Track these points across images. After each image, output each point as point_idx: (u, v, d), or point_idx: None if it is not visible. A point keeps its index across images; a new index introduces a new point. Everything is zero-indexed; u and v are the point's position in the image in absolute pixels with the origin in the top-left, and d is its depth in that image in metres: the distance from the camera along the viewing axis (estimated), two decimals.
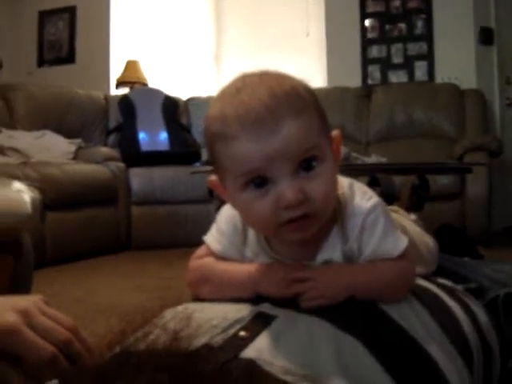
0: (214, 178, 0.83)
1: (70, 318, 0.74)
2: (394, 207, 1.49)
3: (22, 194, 1.34)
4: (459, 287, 1.14)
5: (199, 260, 0.93)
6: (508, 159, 4.96)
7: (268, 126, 0.72)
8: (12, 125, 4.51)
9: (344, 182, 0.88)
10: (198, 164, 4.58)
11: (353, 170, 2.83)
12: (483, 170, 3.94)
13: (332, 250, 0.84)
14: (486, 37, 5.04)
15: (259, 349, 0.68)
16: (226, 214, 0.90)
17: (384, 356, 0.72)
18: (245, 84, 0.76)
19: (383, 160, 3.67)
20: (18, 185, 1.38)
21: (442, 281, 1.09)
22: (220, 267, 0.89)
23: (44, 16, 6.19)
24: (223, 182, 0.80)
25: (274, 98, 0.73)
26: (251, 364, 0.65)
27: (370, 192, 0.87)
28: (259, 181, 0.75)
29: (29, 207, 1.31)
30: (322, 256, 0.85)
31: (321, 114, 0.79)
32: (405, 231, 1.01)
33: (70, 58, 6.11)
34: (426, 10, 5.20)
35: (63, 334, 0.70)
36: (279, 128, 0.72)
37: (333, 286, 0.80)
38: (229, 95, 0.76)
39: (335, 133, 0.83)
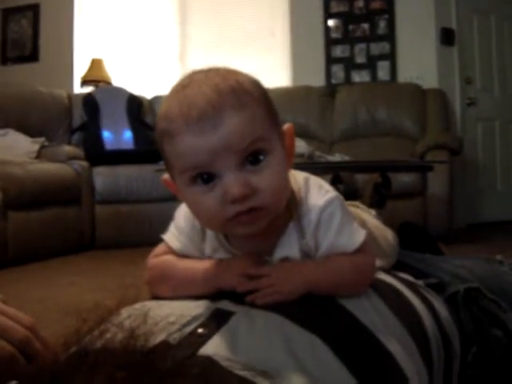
0: (166, 176, 0.83)
1: (30, 317, 0.73)
2: (355, 202, 1.50)
3: None
4: (420, 282, 1.15)
5: (158, 258, 0.92)
6: (468, 157, 5.05)
7: (210, 120, 0.72)
8: None
9: (300, 177, 0.88)
10: (162, 162, 4.56)
11: (317, 168, 2.85)
12: (444, 169, 4.00)
13: (289, 246, 0.84)
14: (447, 37, 5.12)
15: (217, 346, 0.68)
16: (184, 212, 0.90)
17: (342, 351, 0.72)
18: (191, 81, 0.76)
19: (347, 158, 3.70)
20: None
21: (402, 275, 1.10)
22: (180, 264, 0.89)
23: (7, 14, 6.11)
24: (174, 179, 0.81)
25: (217, 93, 0.73)
26: (209, 361, 0.65)
27: (326, 186, 0.87)
28: (206, 176, 0.75)
29: None
30: (279, 252, 0.85)
31: (269, 107, 0.79)
32: (363, 225, 1.01)
33: (33, 56, 6.03)
34: (389, 10, 5.26)
35: (21, 333, 0.69)
36: (221, 121, 0.72)
37: (288, 282, 0.79)
38: (175, 92, 0.77)
39: (287, 126, 0.83)
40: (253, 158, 0.75)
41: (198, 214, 0.81)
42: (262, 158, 0.76)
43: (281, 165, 0.78)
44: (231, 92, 0.74)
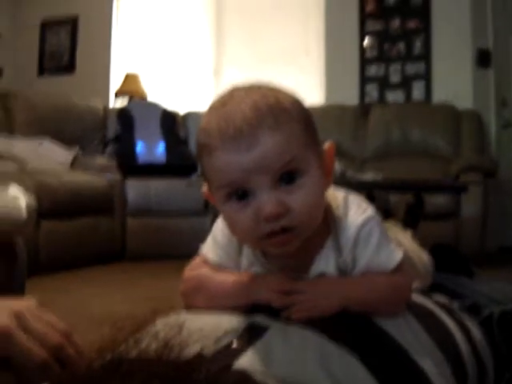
0: (206, 188, 0.84)
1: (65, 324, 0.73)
2: (391, 222, 1.49)
3: (18, 199, 1.33)
4: (454, 304, 1.13)
5: (194, 270, 0.93)
6: (503, 180, 4.97)
7: (246, 139, 0.72)
8: (11, 132, 4.52)
9: (339, 194, 0.88)
10: (193, 176, 4.59)
11: (350, 186, 2.83)
12: (478, 190, 3.95)
13: (326, 263, 0.84)
14: (483, 58, 5.07)
15: (251, 360, 0.68)
16: (222, 225, 0.90)
17: (377, 369, 0.71)
18: (231, 97, 0.77)
19: (380, 177, 3.68)
20: (14, 190, 1.38)
21: (437, 297, 1.09)
22: (215, 277, 0.89)
23: (46, 26, 6.22)
24: (211, 192, 0.81)
25: (255, 111, 0.73)
26: (244, 374, 0.64)
27: (365, 204, 0.87)
28: (240, 193, 0.75)
29: (24, 212, 1.31)
30: (315, 268, 0.84)
31: (307, 126, 0.79)
32: (400, 245, 1.01)
33: (70, 67, 6.12)
34: (425, 30, 5.23)
35: (55, 339, 0.69)
36: (257, 141, 0.72)
37: (324, 298, 0.79)
38: (215, 108, 0.78)
39: (328, 145, 0.83)
40: (287, 177, 0.75)
41: (233, 229, 0.81)
42: (296, 177, 0.76)
43: (316, 185, 0.78)
44: (268, 110, 0.74)
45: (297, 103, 0.79)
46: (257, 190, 0.74)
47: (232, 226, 0.80)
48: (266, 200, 0.73)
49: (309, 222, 0.78)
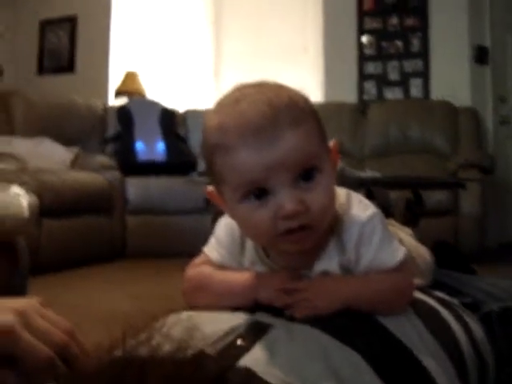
0: (211, 188, 0.83)
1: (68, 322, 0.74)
2: (390, 221, 1.49)
3: (20, 198, 1.33)
4: (455, 301, 1.14)
5: (197, 268, 0.93)
6: (500, 176, 4.98)
7: (268, 137, 0.72)
8: (10, 131, 4.52)
9: (341, 192, 0.88)
10: (194, 174, 4.59)
11: (348, 184, 2.83)
12: (476, 187, 3.96)
13: (329, 261, 0.84)
14: (480, 55, 5.09)
15: (256, 358, 0.68)
16: (224, 225, 0.90)
17: (381, 367, 0.71)
18: (243, 95, 0.76)
19: (378, 175, 3.68)
20: (15, 189, 1.38)
21: (438, 294, 1.09)
22: (218, 275, 0.89)
23: (45, 25, 6.22)
24: (221, 192, 0.80)
25: (273, 109, 0.73)
26: (249, 373, 0.64)
27: (367, 202, 0.87)
28: (258, 191, 0.75)
29: (26, 211, 1.31)
30: (318, 266, 0.84)
31: (319, 124, 0.80)
32: (401, 242, 1.01)
33: (69, 67, 6.13)
34: (423, 28, 5.24)
35: (60, 337, 0.68)
36: (279, 138, 0.72)
37: (325, 297, 0.80)
38: (227, 106, 0.76)
39: (333, 142, 0.84)
40: (306, 174, 0.75)
41: (248, 228, 0.81)
42: (314, 174, 0.76)
43: (331, 182, 0.79)
44: (286, 108, 0.74)
45: (307, 100, 0.80)
46: (277, 187, 0.74)
47: (247, 224, 0.80)
48: (288, 197, 0.73)
49: (324, 219, 0.78)
